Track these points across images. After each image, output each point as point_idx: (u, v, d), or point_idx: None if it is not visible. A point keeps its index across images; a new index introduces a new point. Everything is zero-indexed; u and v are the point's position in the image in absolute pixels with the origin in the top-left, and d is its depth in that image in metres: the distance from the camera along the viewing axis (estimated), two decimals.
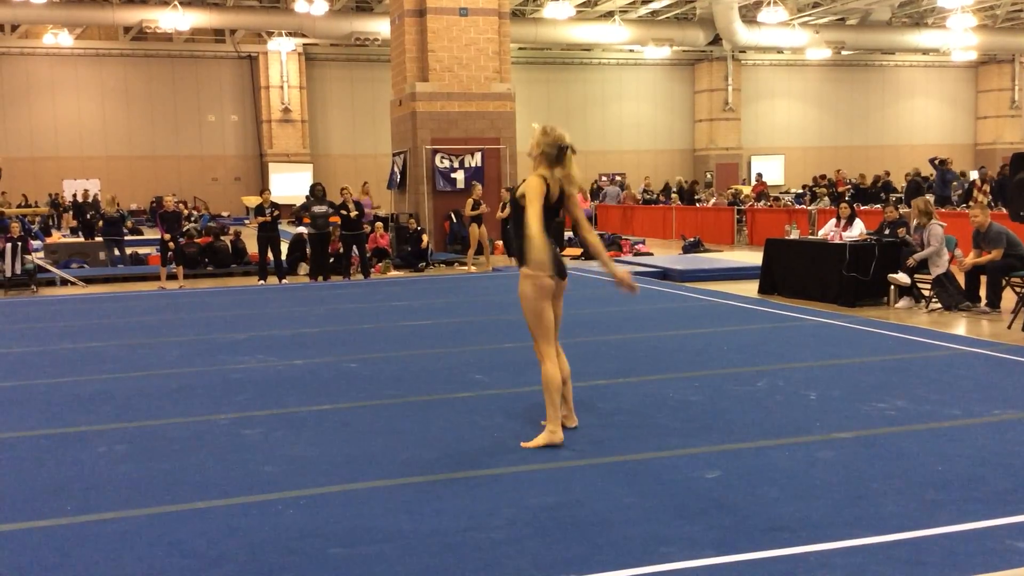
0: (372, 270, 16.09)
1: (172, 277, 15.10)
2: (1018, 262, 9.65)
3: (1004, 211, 13.16)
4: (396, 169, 20.71)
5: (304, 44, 34.42)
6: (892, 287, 10.76)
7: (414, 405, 6.19)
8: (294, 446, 5.24)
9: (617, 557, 3.56)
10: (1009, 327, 8.85)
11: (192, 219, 24.22)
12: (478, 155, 19.49)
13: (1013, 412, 5.57)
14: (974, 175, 28.47)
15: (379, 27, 29.25)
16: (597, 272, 14.59)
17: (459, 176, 19.42)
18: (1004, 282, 9.80)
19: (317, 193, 15.41)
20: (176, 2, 28.02)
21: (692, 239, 19.43)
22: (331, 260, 15.73)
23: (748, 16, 30.77)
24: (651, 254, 18.09)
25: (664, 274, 14.36)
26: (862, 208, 18.06)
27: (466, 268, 16.77)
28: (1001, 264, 9.69)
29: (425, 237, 17.58)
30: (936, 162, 21.71)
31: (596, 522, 3.92)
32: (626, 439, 5.20)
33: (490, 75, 19.58)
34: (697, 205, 24.90)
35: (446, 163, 19.36)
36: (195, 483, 4.61)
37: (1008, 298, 9.68)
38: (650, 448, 5.01)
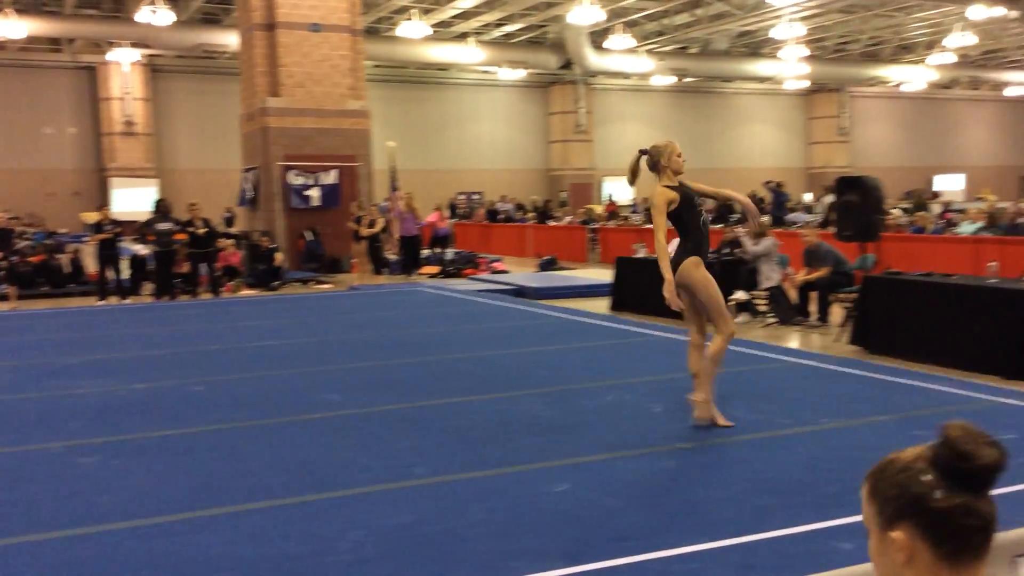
0: (223, 289, 15.62)
1: (3, 298, 14.22)
2: (844, 279, 10.33)
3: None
4: (247, 185, 20.18)
5: (149, 55, 33.13)
6: (731, 303, 11.31)
7: (262, 428, 6.05)
8: (133, 474, 5.03)
9: (467, 573, 3.59)
10: (836, 340, 9.46)
11: (26, 236, 22.82)
12: (333, 172, 19.25)
13: (839, 421, 5.95)
14: (807, 197, 30.26)
15: (228, 39, 28.47)
16: (452, 289, 14.66)
17: (314, 193, 19.12)
18: (832, 298, 10.47)
19: (162, 209, 14.88)
20: (10, 10, 26.45)
21: (547, 257, 19.79)
22: (178, 279, 15.18)
23: (597, 42, 31.73)
24: (507, 272, 18.31)
25: (520, 292, 14.57)
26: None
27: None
28: (829, 281, 10.36)
29: (278, 255, 17.22)
30: (772, 185, 22.96)
31: (447, 539, 3.95)
32: (477, 456, 5.25)
33: (345, 92, 19.41)
34: (551, 223, 25.39)
35: (300, 180, 19.02)
36: (25, 515, 4.36)
37: (836, 313, 10.34)
38: (501, 464, 5.08)
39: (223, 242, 16.83)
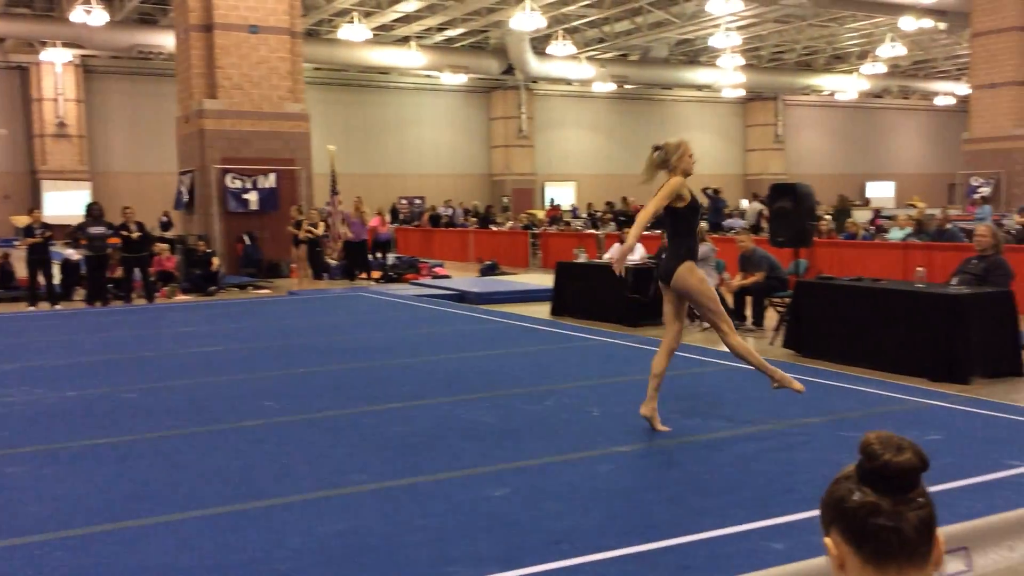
0: (157, 294, 15.32)
1: None
2: (778, 284, 10.55)
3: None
4: (183, 188, 19.84)
5: (83, 55, 32.37)
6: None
7: (198, 436, 5.96)
8: (64, 484, 4.92)
9: None
10: (771, 343, 9.65)
11: None
12: (272, 176, 19.02)
13: (772, 423, 6.08)
14: (744, 204, 30.83)
15: (164, 40, 27.96)
16: (393, 294, 14.60)
17: (252, 197, 18.87)
18: (766, 302, 10.68)
19: (94, 213, 14.55)
20: None
21: (489, 262, 19.82)
22: (111, 284, 14.86)
23: (539, 48, 31.91)
24: (449, 277, 18.31)
25: (461, 297, 14.57)
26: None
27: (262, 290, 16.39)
28: (764, 285, 10.57)
29: (215, 260, 16.95)
30: (709, 192, 23.32)
31: (384, 546, 3.94)
32: (417, 461, 5.25)
33: (283, 94, 19.20)
34: (492, 228, 25.44)
35: (238, 183, 18.76)
36: None
37: (770, 317, 10.55)
38: (440, 469, 5.09)
39: (158, 246, 16.54)
